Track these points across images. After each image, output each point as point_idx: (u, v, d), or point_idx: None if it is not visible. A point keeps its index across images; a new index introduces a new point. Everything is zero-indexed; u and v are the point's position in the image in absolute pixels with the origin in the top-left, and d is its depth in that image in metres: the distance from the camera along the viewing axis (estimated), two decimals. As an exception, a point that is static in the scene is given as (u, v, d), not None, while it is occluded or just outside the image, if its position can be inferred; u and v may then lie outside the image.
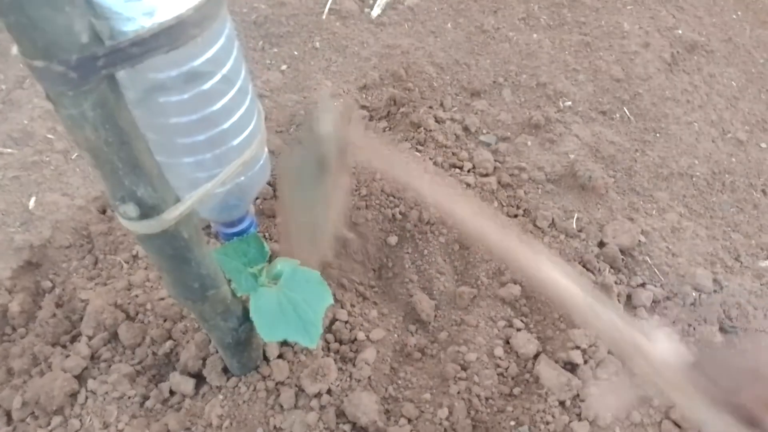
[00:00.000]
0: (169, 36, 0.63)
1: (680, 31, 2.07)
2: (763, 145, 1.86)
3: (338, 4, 2.07)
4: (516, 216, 1.48)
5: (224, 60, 0.77)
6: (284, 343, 1.20)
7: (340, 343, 1.24)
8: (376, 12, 2.09)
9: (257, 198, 1.48)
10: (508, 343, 1.26)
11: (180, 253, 0.83)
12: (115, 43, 0.60)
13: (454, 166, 1.55)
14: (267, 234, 1.42)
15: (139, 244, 1.35)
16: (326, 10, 2.06)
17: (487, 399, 1.18)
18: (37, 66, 0.56)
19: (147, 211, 0.74)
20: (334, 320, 1.26)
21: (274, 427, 1.12)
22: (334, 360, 1.20)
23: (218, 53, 0.75)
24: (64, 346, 1.26)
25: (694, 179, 1.69)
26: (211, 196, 0.84)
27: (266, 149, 0.94)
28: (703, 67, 2.01)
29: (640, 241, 1.44)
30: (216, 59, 0.75)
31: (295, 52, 1.95)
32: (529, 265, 0.81)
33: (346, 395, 1.15)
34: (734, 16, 2.26)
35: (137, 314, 1.28)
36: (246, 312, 1.03)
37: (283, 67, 1.90)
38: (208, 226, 1.37)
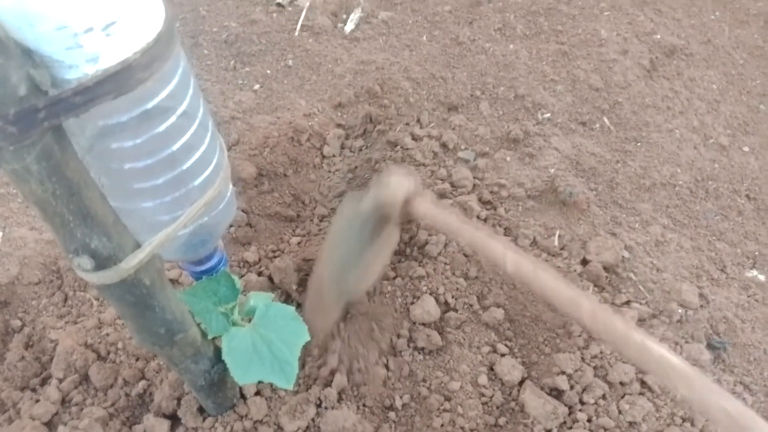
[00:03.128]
0: (116, 82, 0.59)
1: (659, 36, 2.05)
2: (746, 149, 1.84)
3: (311, 20, 2.04)
4: (497, 234, 1.44)
5: (181, 97, 0.73)
6: (260, 380, 1.16)
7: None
8: (349, 27, 2.05)
9: (231, 226, 1.44)
10: (492, 369, 1.23)
11: (142, 300, 0.79)
12: (56, 93, 0.56)
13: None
14: (242, 263, 1.38)
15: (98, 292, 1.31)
16: (298, 26, 2.02)
17: (471, 431, 1.14)
18: (-29, 122, 0.53)
19: (102, 262, 0.70)
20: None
21: (253, 468, 1.08)
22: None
23: (173, 91, 0.71)
24: (33, 390, 1.21)
25: (677, 188, 1.66)
26: (174, 238, 0.80)
27: (231, 185, 0.90)
28: (683, 72, 1.99)
29: (623, 257, 1.41)
30: (171, 97, 0.71)
31: (268, 71, 1.91)
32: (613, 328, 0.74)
33: (327, 432, 1.12)
34: (712, 17, 2.25)
35: (108, 354, 1.23)
36: (218, 352, 0.99)
37: (256, 86, 1.86)
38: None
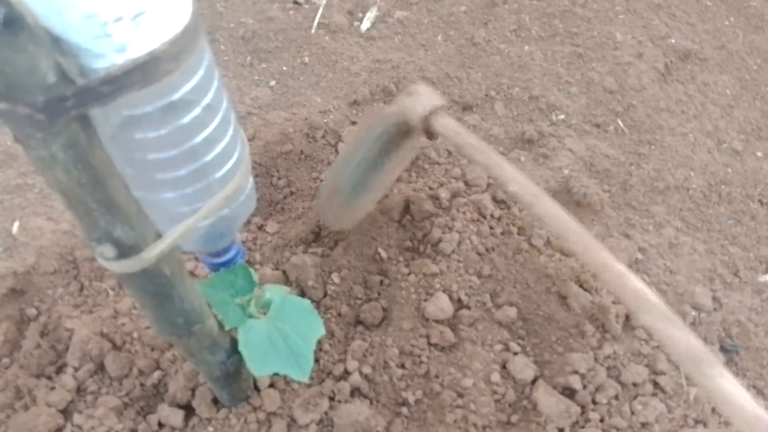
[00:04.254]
0: (143, 72, 0.60)
1: (673, 40, 2.05)
2: (759, 153, 1.84)
3: (327, 18, 2.05)
4: (511, 234, 1.44)
5: (205, 90, 0.74)
6: (276, 372, 1.17)
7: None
8: (365, 25, 2.06)
9: (248, 222, 1.45)
10: (504, 367, 1.23)
11: (162, 290, 0.80)
12: (84, 82, 0.57)
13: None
14: (256, 256, 1.39)
15: (118, 281, 1.32)
16: (315, 24, 2.03)
17: (484, 428, 1.14)
18: (1, 108, 0.53)
19: (125, 251, 0.71)
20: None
21: (266, 460, 1.09)
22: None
23: (198, 84, 0.72)
24: (49, 378, 1.22)
25: (690, 192, 1.66)
26: (195, 229, 0.81)
27: (251, 178, 0.91)
28: (697, 76, 1.99)
29: (637, 258, 1.41)
30: (196, 90, 0.72)
31: (284, 68, 1.92)
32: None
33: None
34: (726, 23, 2.24)
35: (124, 343, 1.24)
36: (234, 344, 1.00)
37: (272, 83, 1.87)
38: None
